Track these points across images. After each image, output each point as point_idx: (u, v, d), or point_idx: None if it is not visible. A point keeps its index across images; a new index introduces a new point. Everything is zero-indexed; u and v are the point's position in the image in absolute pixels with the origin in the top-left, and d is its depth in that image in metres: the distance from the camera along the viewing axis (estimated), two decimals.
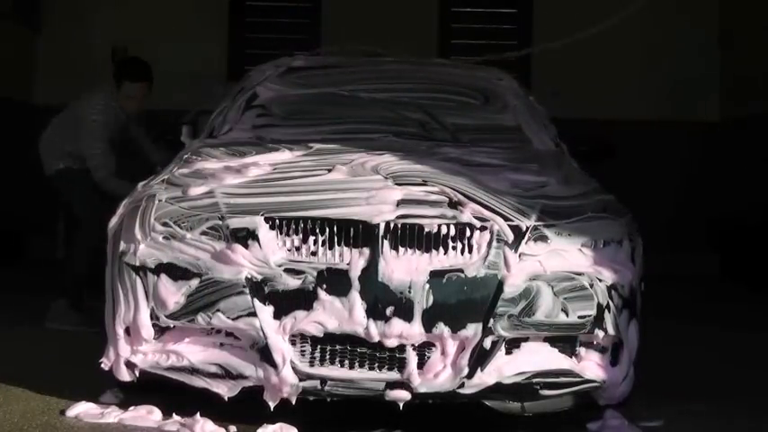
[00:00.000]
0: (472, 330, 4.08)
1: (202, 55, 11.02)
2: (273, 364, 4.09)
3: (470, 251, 4.16)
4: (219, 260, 4.15)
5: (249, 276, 4.12)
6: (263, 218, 4.19)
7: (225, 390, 4.18)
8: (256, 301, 4.10)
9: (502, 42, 11.18)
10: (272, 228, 4.19)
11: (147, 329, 4.23)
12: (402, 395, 4.10)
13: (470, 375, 4.09)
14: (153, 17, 11.07)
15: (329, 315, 4.06)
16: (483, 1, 11.35)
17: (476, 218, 4.20)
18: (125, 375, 4.31)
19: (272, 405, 4.16)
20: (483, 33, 11.29)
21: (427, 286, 4.07)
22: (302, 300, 4.08)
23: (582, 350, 4.26)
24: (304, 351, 4.14)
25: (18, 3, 10.52)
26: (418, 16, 11.23)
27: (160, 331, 4.25)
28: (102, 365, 4.34)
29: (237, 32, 11.28)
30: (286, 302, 4.09)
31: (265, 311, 4.10)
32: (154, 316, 4.21)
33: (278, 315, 4.09)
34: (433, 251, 4.14)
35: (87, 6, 11.12)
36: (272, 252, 4.14)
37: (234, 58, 11.12)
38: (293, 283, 4.09)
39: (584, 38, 9.26)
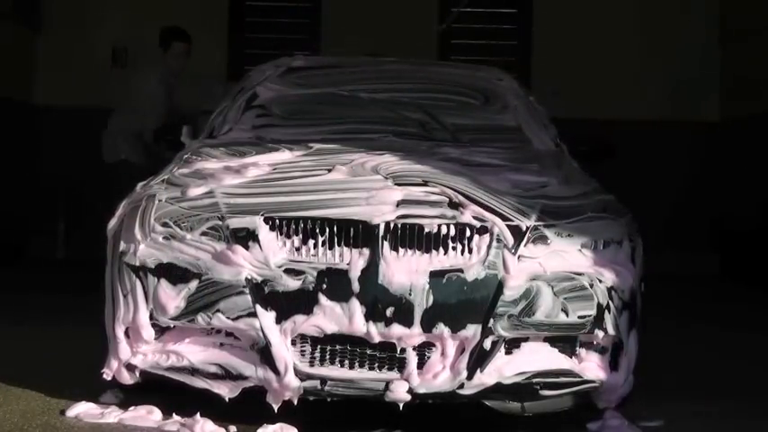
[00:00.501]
0: (472, 331, 4.08)
1: (202, 55, 11.01)
2: (276, 371, 4.09)
3: (470, 251, 4.15)
4: (220, 261, 4.15)
5: (249, 278, 4.12)
6: (263, 218, 4.19)
7: (226, 391, 4.18)
8: (257, 305, 4.09)
9: (502, 42, 11.19)
10: (272, 229, 4.18)
11: (146, 330, 4.22)
12: (402, 396, 4.10)
13: (470, 376, 4.09)
14: (153, 17, 11.05)
15: (329, 317, 4.06)
16: (483, 1, 11.34)
17: (476, 218, 4.20)
18: (127, 379, 4.31)
19: (275, 407, 4.16)
20: (483, 33, 11.29)
21: (427, 287, 4.07)
22: (302, 301, 4.08)
23: (582, 350, 4.26)
24: (304, 351, 4.13)
25: (18, 3, 10.51)
26: (418, 16, 11.22)
27: (160, 331, 4.24)
28: (105, 376, 4.33)
29: (237, 32, 11.28)
30: (286, 305, 4.09)
31: (267, 316, 4.08)
32: (153, 316, 4.21)
33: (278, 318, 4.08)
34: (433, 251, 4.14)
35: (87, 6, 11.12)
36: (272, 254, 4.13)
37: (234, 58, 11.11)
38: (293, 284, 4.09)
39: None
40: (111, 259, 4.39)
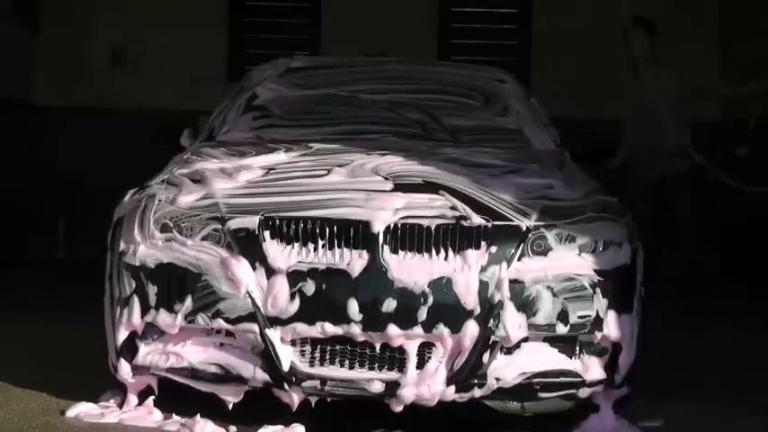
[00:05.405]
0: (472, 331, 4.08)
1: (203, 55, 11.02)
2: (275, 374, 4.09)
3: (470, 252, 4.15)
4: (221, 268, 4.12)
5: (250, 292, 4.10)
6: (264, 224, 4.16)
7: (231, 396, 4.18)
8: (257, 309, 4.09)
9: (502, 42, 11.19)
10: (272, 236, 4.16)
11: (147, 330, 4.22)
12: (402, 396, 4.09)
13: (470, 376, 4.09)
14: (153, 17, 11.06)
15: (329, 317, 4.05)
16: (483, 1, 11.34)
17: (475, 218, 4.19)
18: (143, 382, 4.31)
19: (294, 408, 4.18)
20: (483, 33, 11.29)
21: (427, 288, 4.07)
22: (303, 306, 4.07)
23: (582, 351, 4.26)
24: (304, 351, 4.13)
25: (18, 3, 10.51)
26: (418, 16, 11.22)
27: (160, 332, 4.24)
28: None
29: (237, 32, 11.28)
30: (287, 308, 4.08)
31: (266, 321, 4.08)
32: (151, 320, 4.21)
33: (279, 324, 4.08)
34: (433, 252, 4.14)
35: (87, 6, 11.12)
36: (274, 262, 4.11)
37: (234, 58, 11.11)
38: (294, 303, 4.08)
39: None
40: (110, 260, 4.38)
